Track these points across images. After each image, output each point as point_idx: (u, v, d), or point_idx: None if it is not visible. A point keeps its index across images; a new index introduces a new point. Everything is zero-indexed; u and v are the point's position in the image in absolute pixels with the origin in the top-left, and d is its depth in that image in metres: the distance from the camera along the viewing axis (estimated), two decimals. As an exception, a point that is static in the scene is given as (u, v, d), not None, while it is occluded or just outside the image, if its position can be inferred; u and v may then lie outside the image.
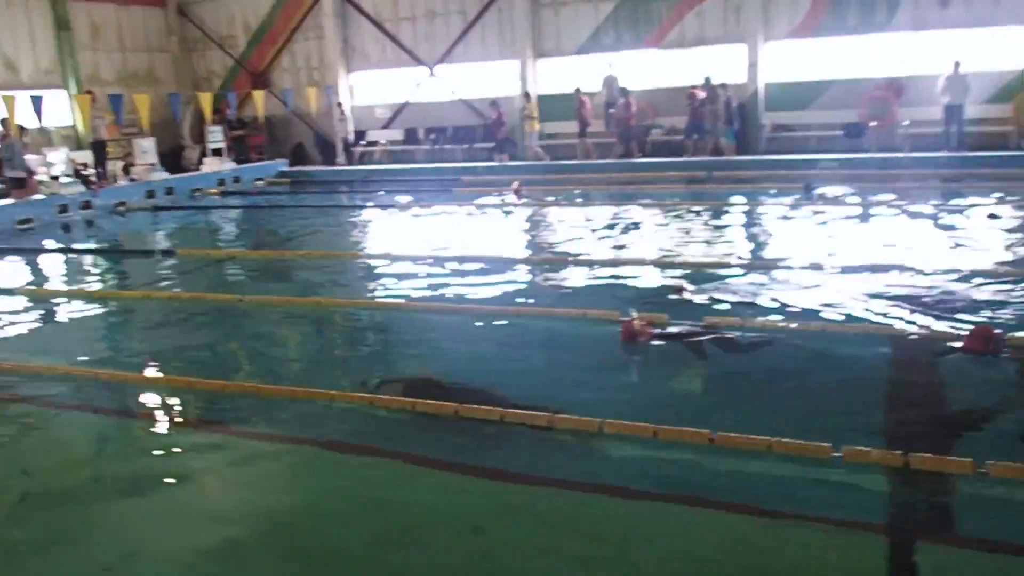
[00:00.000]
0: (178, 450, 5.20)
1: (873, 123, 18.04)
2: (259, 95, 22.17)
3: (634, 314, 6.81)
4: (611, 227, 12.37)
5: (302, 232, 13.54)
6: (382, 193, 17.71)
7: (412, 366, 6.64)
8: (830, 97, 19.69)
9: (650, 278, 8.90)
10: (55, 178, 16.52)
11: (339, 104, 23.12)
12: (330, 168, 22.19)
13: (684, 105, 19.50)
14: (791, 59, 20.16)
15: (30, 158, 17.09)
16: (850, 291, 7.76)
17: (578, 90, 20.42)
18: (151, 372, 6.52)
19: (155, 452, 5.19)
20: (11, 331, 8.24)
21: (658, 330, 6.80)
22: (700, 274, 8.83)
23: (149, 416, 5.69)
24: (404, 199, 16.43)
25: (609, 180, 17.69)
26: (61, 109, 21.81)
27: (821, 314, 7.13)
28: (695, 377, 6.22)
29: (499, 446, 5.00)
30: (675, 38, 20.72)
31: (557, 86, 21.31)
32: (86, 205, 16.59)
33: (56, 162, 16.76)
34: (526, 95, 20.82)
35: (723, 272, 8.89)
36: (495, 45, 22.10)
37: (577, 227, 12.59)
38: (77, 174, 17.27)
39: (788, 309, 7.35)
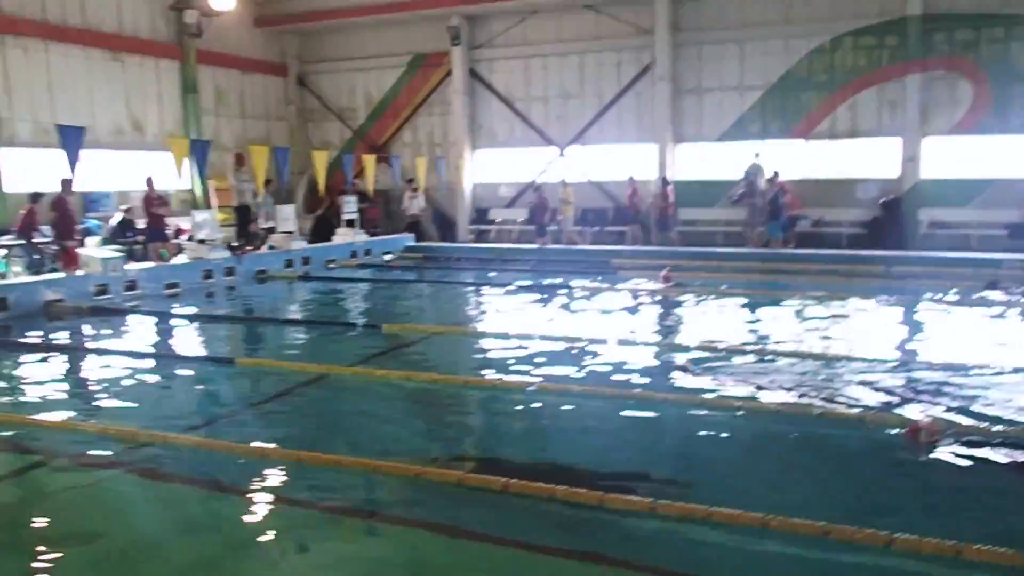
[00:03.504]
0: (257, 522, 5.11)
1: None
2: (369, 160, 20.78)
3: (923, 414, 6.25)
4: (780, 319, 11.47)
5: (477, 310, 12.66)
6: (521, 272, 16.77)
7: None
8: (991, 195, 18.90)
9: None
10: (202, 242, 15.73)
11: (410, 180, 21.54)
12: (458, 245, 21.35)
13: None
14: (950, 155, 19.45)
15: (171, 221, 16.46)
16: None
17: (631, 178, 20.31)
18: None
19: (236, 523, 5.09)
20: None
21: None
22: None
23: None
24: (556, 280, 15.49)
25: (761, 269, 16.82)
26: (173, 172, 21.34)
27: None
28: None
29: None
30: (825, 129, 20.13)
31: (697, 172, 20.66)
32: (229, 271, 15.78)
33: (204, 225, 15.98)
34: (563, 182, 20.24)
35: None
36: (632, 128, 21.54)
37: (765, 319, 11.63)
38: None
39: None
